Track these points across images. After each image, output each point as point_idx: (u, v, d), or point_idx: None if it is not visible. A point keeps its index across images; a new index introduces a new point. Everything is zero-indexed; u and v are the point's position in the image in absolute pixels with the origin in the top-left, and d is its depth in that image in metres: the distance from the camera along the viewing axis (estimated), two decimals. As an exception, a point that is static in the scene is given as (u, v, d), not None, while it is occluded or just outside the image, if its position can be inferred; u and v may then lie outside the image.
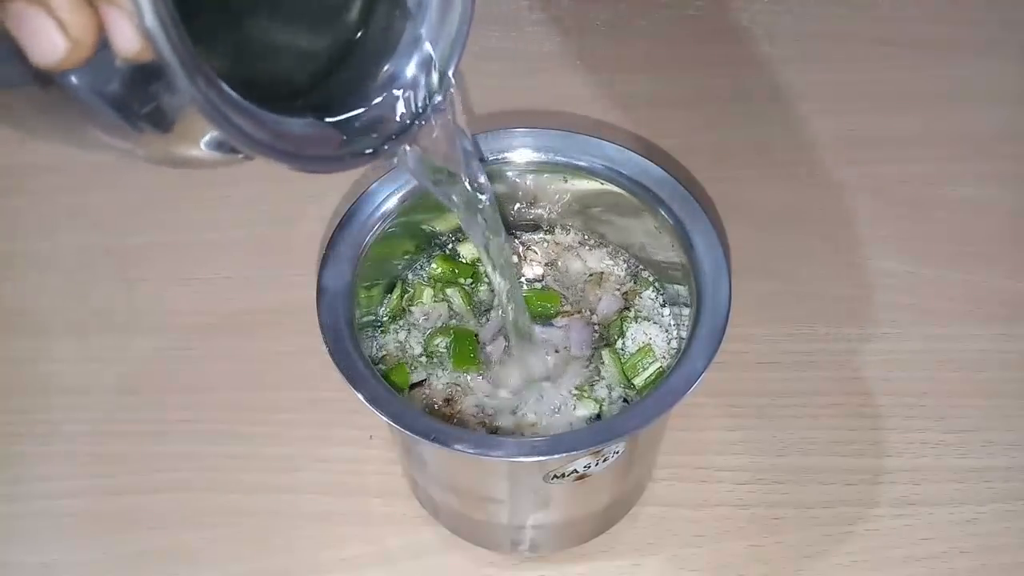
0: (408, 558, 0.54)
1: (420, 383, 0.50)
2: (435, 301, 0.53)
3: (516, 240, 0.55)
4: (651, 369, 0.49)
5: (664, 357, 0.50)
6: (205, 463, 0.58)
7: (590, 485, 0.47)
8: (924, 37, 0.80)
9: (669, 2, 0.83)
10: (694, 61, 0.79)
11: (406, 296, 0.53)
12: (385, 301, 0.53)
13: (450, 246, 0.55)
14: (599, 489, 0.49)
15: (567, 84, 0.77)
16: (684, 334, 0.51)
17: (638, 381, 0.50)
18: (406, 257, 0.54)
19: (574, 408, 0.49)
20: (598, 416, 0.49)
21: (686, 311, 0.50)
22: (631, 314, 0.52)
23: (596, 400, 0.49)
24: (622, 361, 0.50)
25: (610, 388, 0.50)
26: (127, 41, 0.25)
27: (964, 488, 0.56)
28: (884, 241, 0.67)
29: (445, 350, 0.51)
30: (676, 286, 0.51)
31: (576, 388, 0.49)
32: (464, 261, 0.54)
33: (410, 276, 0.54)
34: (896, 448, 0.58)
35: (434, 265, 0.54)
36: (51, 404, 0.60)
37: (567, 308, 0.53)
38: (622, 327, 0.51)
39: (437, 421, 0.43)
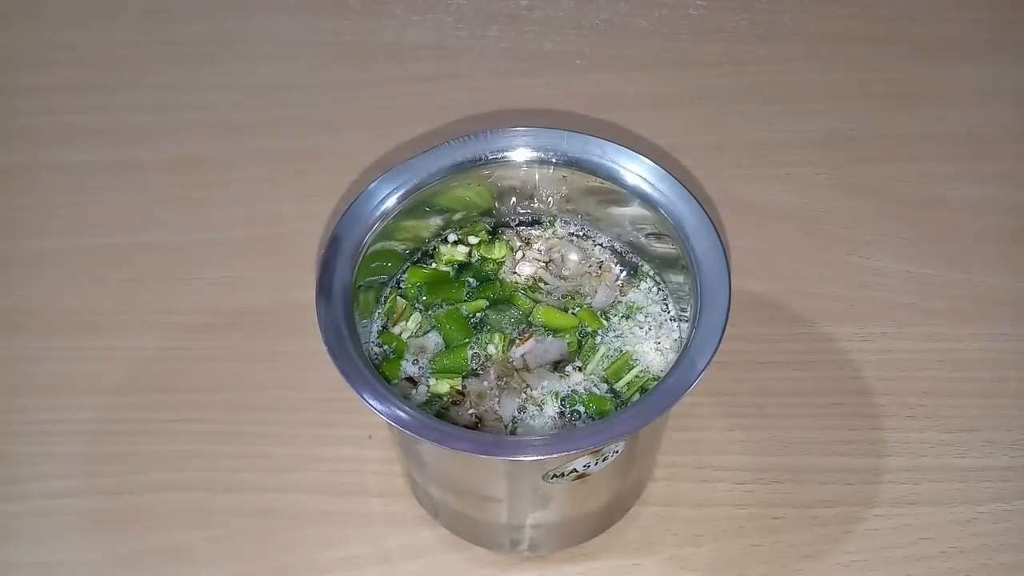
0: (407, 558, 0.54)
1: (413, 379, 0.50)
2: (420, 328, 0.52)
3: (515, 234, 0.55)
4: (631, 374, 0.49)
5: (664, 351, 0.50)
6: (205, 463, 0.58)
7: (590, 485, 0.47)
8: (924, 37, 0.80)
9: (669, 2, 0.83)
10: (694, 61, 0.79)
11: (392, 310, 0.52)
12: (378, 307, 0.52)
13: (432, 245, 0.54)
14: (599, 489, 0.49)
15: (567, 84, 0.77)
16: (684, 327, 0.51)
17: (619, 386, 0.49)
18: (398, 263, 0.53)
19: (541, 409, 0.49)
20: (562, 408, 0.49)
21: (686, 304, 0.50)
22: (623, 305, 0.52)
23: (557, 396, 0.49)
24: (605, 366, 0.50)
25: (590, 380, 0.50)
26: None
27: (964, 488, 0.56)
28: (884, 241, 0.67)
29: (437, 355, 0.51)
30: (675, 278, 0.51)
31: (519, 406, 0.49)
32: (440, 266, 0.53)
33: (399, 284, 0.53)
34: (895, 448, 0.58)
35: (407, 276, 0.53)
36: (51, 404, 0.60)
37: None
38: (608, 319, 0.51)
39: (436, 421, 0.43)
